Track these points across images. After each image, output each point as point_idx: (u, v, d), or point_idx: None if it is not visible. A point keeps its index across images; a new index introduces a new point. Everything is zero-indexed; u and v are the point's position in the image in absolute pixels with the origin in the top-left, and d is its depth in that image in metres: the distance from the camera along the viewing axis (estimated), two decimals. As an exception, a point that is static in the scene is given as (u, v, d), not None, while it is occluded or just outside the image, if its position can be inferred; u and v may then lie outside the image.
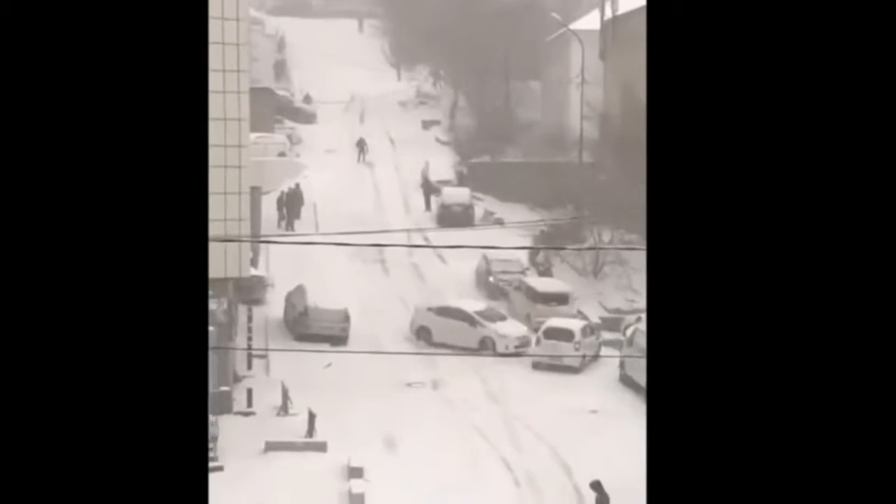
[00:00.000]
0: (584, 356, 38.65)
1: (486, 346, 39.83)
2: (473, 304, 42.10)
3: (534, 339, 39.29)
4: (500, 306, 44.67)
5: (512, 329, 40.53)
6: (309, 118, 73.95)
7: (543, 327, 39.12)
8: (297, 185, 54.76)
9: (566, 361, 38.17)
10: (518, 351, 39.72)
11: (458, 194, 56.68)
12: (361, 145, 65.06)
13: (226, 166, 32.06)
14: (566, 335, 38.78)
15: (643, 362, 35.74)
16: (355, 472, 29.30)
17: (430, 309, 41.45)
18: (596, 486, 26.47)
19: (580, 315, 42.65)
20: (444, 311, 41.04)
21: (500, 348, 39.70)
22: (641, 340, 36.65)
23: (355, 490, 28.31)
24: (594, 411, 34.81)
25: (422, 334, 40.91)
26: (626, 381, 37.28)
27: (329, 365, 37.11)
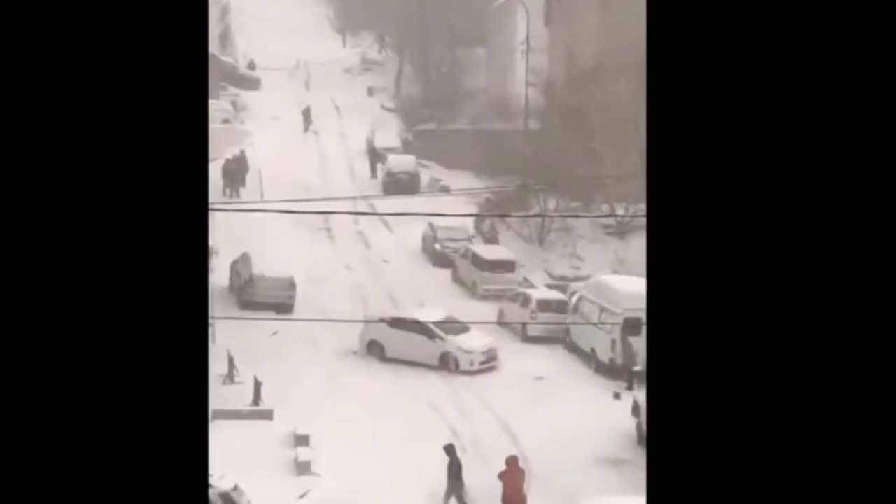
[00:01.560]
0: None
1: (447, 364, 35.43)
2: (431, 313, 37.28)
3: (527, 315, 38.65)
4: (446, 274, 44.75)
5: (476, 342, 35.87)
6: (253, 85, 73.50)
7: (533, 302, 38.76)
8: (242, 153, 54.47)
9: (557, 331, 38.11)
10: (485, 367, 35.54)
11: (403, 162, 56.57)
12: (307, 114, 64.67)
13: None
14: (560, 306, 38.83)
15: (587, 329, 36.00)
16: (301, 440, 29.31)
17: (381, 320, 36.54)
18: (449, 449, 26.52)
19: (526, 282, 42.79)
20: (399, 323, 36.17)
21: (465, 365, 35.25)
22: (585, 307, 36.89)
23: (302, 458, 28.34)
24: (539, 378, 35.01)
25: (373, 349, 36.31)
26: (571, 347, 37.52)
27: (275, 333, 37.04)
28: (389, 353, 35.85)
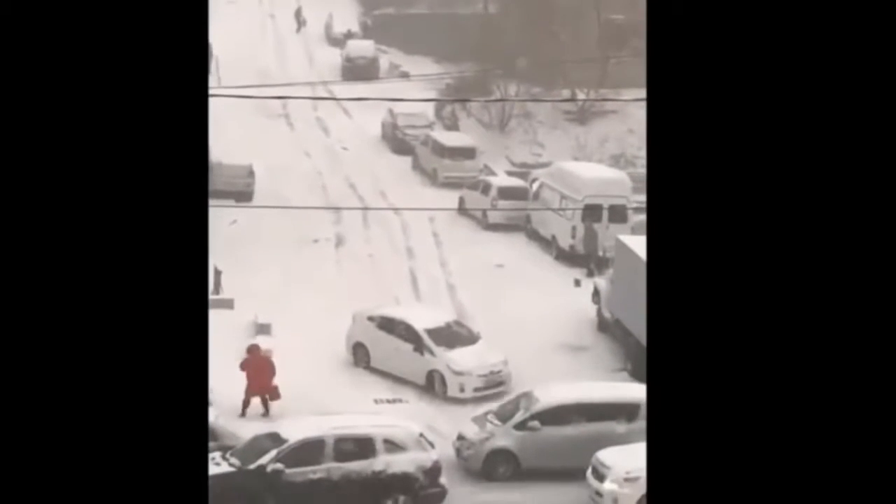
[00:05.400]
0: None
1: (432, 385, 27.26)
2: (428, 316, 28.90)
3: (488, 202, 38.48)
4: (406, 161, 44.50)
5: (475, 360, 27.23)
6: (208, -32, 72.20)
7: (494, 189, 38.66)
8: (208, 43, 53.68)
9: (518, 218, 37.97)
10: (479, 395, 26.66)
11: (362, 47, 56.01)
12: (298, 15, 63.25)
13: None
14: (521, 193, 38.67)
15: (548, 216, 36.04)
16: (263, 329, 29.33)
17: (370, 318, 28.61)
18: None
19: (487, 169, 42.66)
20: (388, 325, 28.25)
21: (453, 390, 26.89)
22: (546, 194, 36.87)
23: (263, 346, 28.30)
24: (500, 266, 35.09)
25: (359, 354, 28.61)
26: (531, 235, 37.57)
27: (234, 222, 36.82)
28: (374, 363, 28.39)
